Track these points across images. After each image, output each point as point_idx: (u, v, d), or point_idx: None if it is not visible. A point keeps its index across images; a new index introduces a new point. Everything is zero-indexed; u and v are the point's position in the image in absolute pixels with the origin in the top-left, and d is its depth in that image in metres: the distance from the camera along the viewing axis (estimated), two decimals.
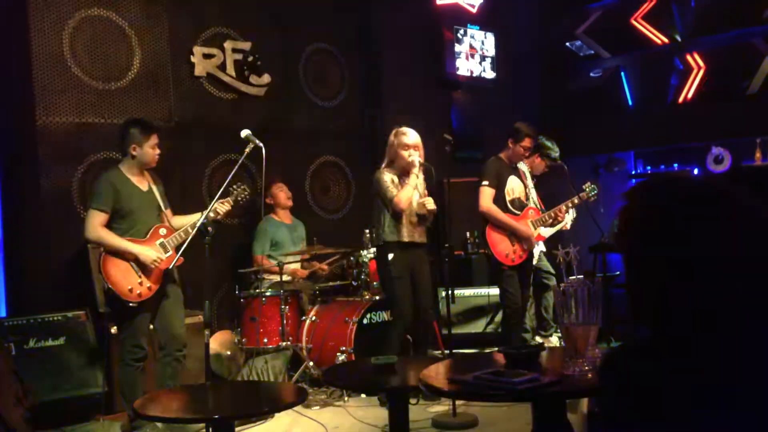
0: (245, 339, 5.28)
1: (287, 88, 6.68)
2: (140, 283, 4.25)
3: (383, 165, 4.98)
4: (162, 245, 4.35)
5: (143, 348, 4.31)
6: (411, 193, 4.85)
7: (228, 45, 6.23)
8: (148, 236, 4.34)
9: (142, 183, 4.42)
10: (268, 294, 5.32)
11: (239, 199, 4.57)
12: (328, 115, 6.98)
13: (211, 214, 4.30)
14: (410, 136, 4.88)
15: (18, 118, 5.29)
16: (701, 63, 7.48)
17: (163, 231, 4.40)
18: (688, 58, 7.60)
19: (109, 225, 4.26)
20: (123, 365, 4.32)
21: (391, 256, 4.85)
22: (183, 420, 3.44)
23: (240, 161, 4.25)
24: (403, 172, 4.90)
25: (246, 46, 6.33)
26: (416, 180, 4.87)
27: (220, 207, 4.43)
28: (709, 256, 1.26)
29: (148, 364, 4.45)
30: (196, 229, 4.16)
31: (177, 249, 4.31)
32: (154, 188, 4.48)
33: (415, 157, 4.82)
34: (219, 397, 3.29)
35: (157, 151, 4.39)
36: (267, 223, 5.90)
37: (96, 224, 4.21)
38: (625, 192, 1.40)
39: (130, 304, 4.21)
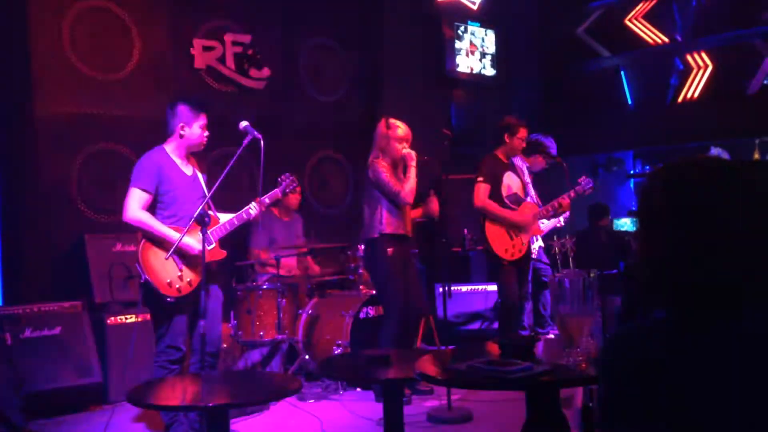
0: (241, 332, 5.28)
1: (287, 82, 6.68)
2: (180, 277, 3.84)
3: (377, 156, 4.88)
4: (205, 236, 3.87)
5: (180, 349, 3.84)
6: (414, 185, 4.83)
7: (228, 38, 6.24)
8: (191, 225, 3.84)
9: (187, 168, 4.04)
10: (264, 287, 5.33)
11: (287, 190, 4.37)
12: (327, 110, 6.99)
13: (257, 206, 4.06)
14: (403, 128, 4.87)
15: (17, 109, 5.29)
16: (708, 62, 7.48)
17: (208, 221, 3.90)
18: (689, 58, 7.60)
19: (151, 210, 3.85)
20: (157, 368, 3.82)
21: (390, 250, 4.82)
22: (178, 408, 3.43)
23: (238, 152, 4.02)
24: (393, 163, 4.90)
25: (246, 39, 6.33)
26: (414, 172, 4.84)
27: (267, 199, 4.17)
28: (739, 230, 1.23)
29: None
30: (242, 221, 3.98)
31: (220, 242, 4.00)
32: (200, 176, 4.10)
33: (410, 150, 4.82)
34: (214, 386, 3.28)
35: (206, 133, 4.04)
36: (265, 217, 5.88)
37: (136, 205, 3.78)
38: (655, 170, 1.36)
39: (168, 299, 3.79)
